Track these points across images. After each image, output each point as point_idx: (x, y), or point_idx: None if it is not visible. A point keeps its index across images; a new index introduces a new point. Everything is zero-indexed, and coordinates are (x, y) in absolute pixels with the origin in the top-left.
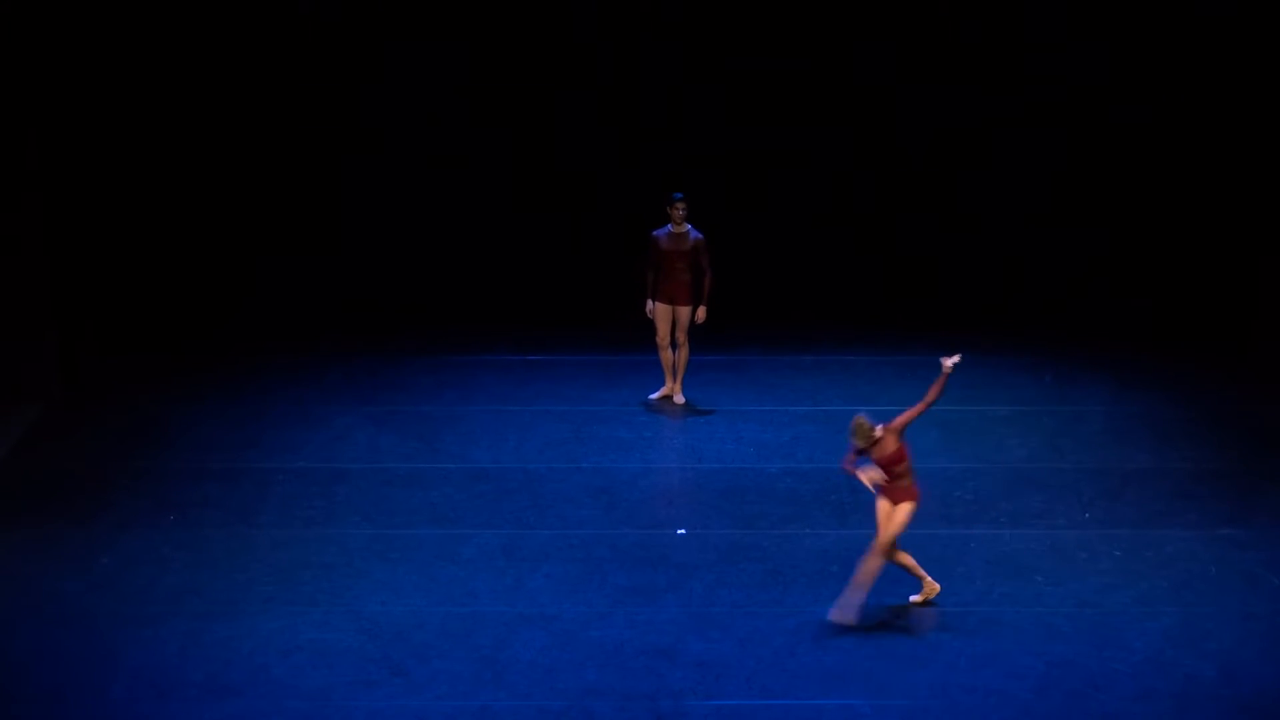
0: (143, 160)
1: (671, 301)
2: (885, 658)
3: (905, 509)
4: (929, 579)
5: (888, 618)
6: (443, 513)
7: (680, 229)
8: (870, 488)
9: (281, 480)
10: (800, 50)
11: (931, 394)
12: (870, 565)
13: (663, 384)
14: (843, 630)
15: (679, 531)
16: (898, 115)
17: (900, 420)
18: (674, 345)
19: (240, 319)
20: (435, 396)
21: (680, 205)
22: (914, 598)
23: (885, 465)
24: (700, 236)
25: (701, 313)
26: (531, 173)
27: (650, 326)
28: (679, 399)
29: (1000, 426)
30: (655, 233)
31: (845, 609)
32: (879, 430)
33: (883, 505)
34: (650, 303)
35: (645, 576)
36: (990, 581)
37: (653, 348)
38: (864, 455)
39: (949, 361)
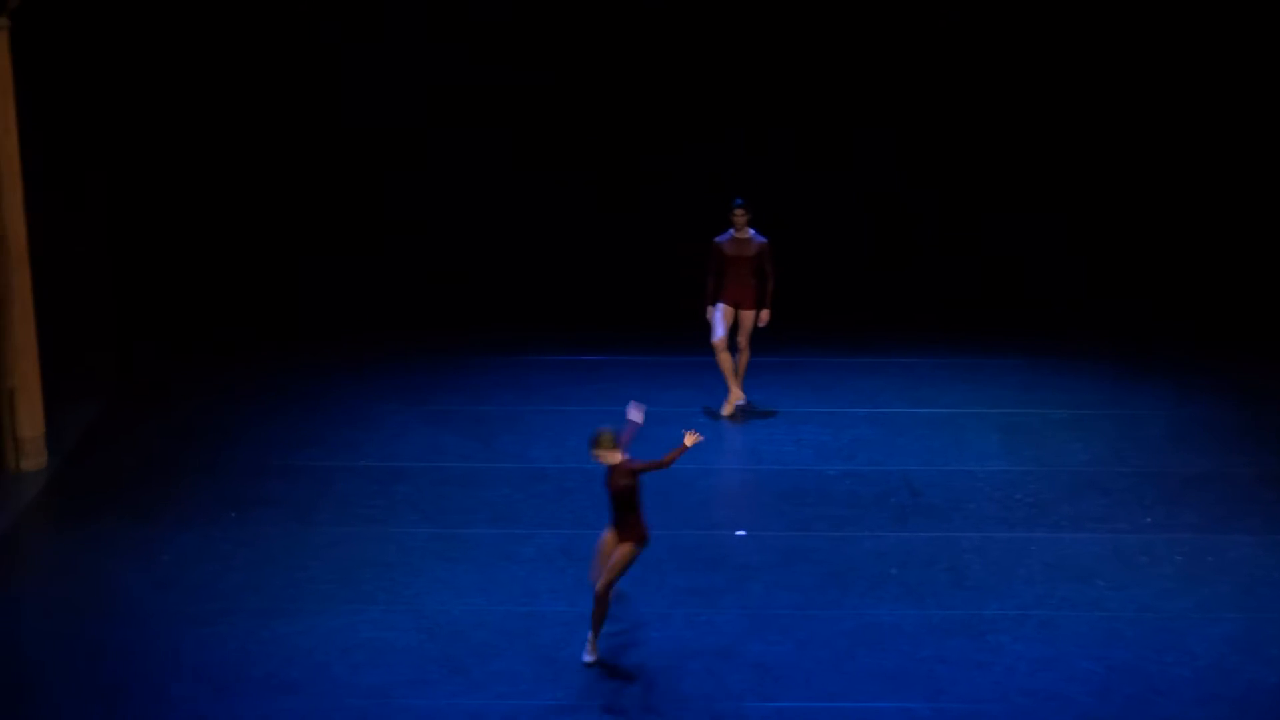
0: (203, 159)
1: (736, 305)
2: (944, 661)
3: (627, 549)
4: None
5: (948, 623)
6: (502, 512)
7: (743, 234)
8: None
9: (341, 479)
10: (855, 45)
11: (668, 459)
12: (596, 609)
13: (726, 395)
14: (901, 634)
15: (738, 533)
16: (959, 113)
17: (641, 464)
18: (734, 349)
19: (301, 317)
20: (493, 396)
21: (741, 211)
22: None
23: (615, 494)
24: (764, 241)
25: (765, 316)
26: (590, 173)
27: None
28: (742, 400)
29: (1061, 430)
30: (717, 239)
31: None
32: (618, 455)
33: (608, 537)
34: (710, 308)
35: (704, 578)
36: (1050, 585)
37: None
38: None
39: (689, 439)
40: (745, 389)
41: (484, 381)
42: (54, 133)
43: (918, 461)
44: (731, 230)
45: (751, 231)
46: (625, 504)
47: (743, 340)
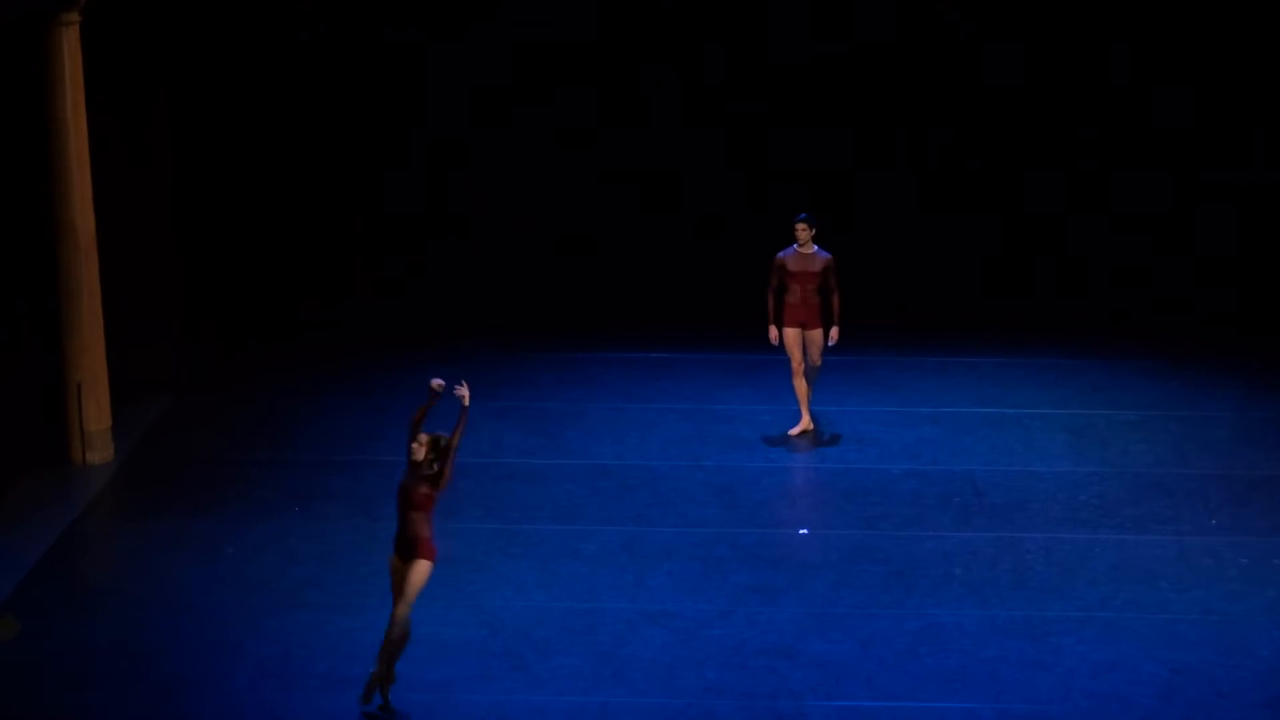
0: (270, 152)
1: (803, 326)
2: (1007, 661)
3: (422, 569)
4: None
5: (1011, 623)
6: (564, 509)
7: (807, 249)
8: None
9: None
10: (924, 42)
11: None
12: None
13: (797, 416)
14: (964, 634)
15: (801, 531)
16: (1023, 113)
17: (440, 480)
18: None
19: (365, 312)
20: (557, 393)
21: (804, 226)
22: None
23: (414, 504)
24: (829, 256)
25: (835, 334)
26: (657, 169)
27: (770, 346)
28: (810, 428)
29: (1127, 431)
30: (780, 254)
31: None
32: (422, 453)
33: (395, 563)
34: (774, 329)
35: (766, 576)
36: (1114, 587)
37: (778, 348)
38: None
39: (459, 391)
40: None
41: (547, 377)
42: (123, 126)
43: (982, 462)
44: (795, 245)
45: (815, 247)
46: (420, 515)
47: (815, 359)
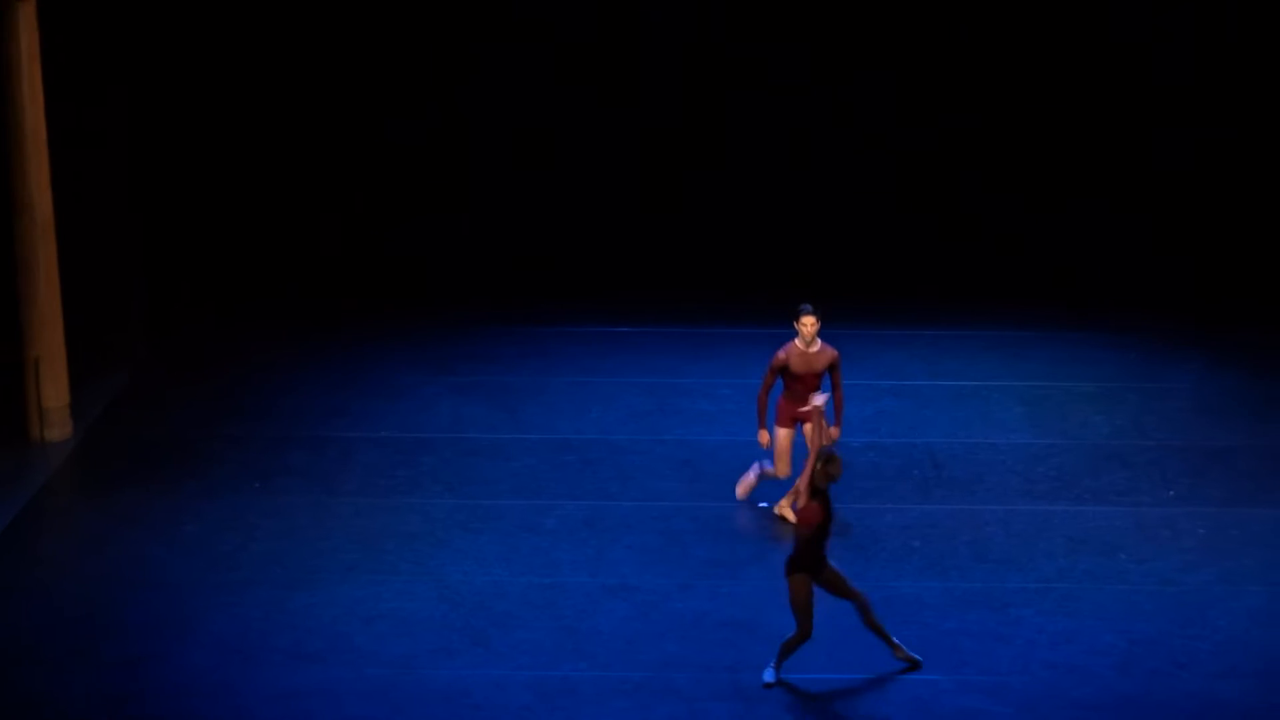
0: (232, 130)
1: (802, 421)
2: (967, 633)
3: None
4: None
5: (970, 595)
6: (525, 483)
7: (813, 346)
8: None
9: (365, 449)
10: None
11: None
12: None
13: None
14: (924, 606)
15: (761, 504)
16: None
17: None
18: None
19: (326, 288)
20: (519, 367)
21: (812, 319)
22: None
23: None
24: (835, 352)
25: (835, 433)
26: (612, 143)
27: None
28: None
29: (1085, 403)
30: (780, 352)
31: None
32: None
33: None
34: (765, 433)
35: (727, 549)
36: (1073, 558)
37: (737, 321)
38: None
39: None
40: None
41: (510, 352)
42: (82, 102)
43: (941, 434)
44: (796, 341)
45: (820, 341)
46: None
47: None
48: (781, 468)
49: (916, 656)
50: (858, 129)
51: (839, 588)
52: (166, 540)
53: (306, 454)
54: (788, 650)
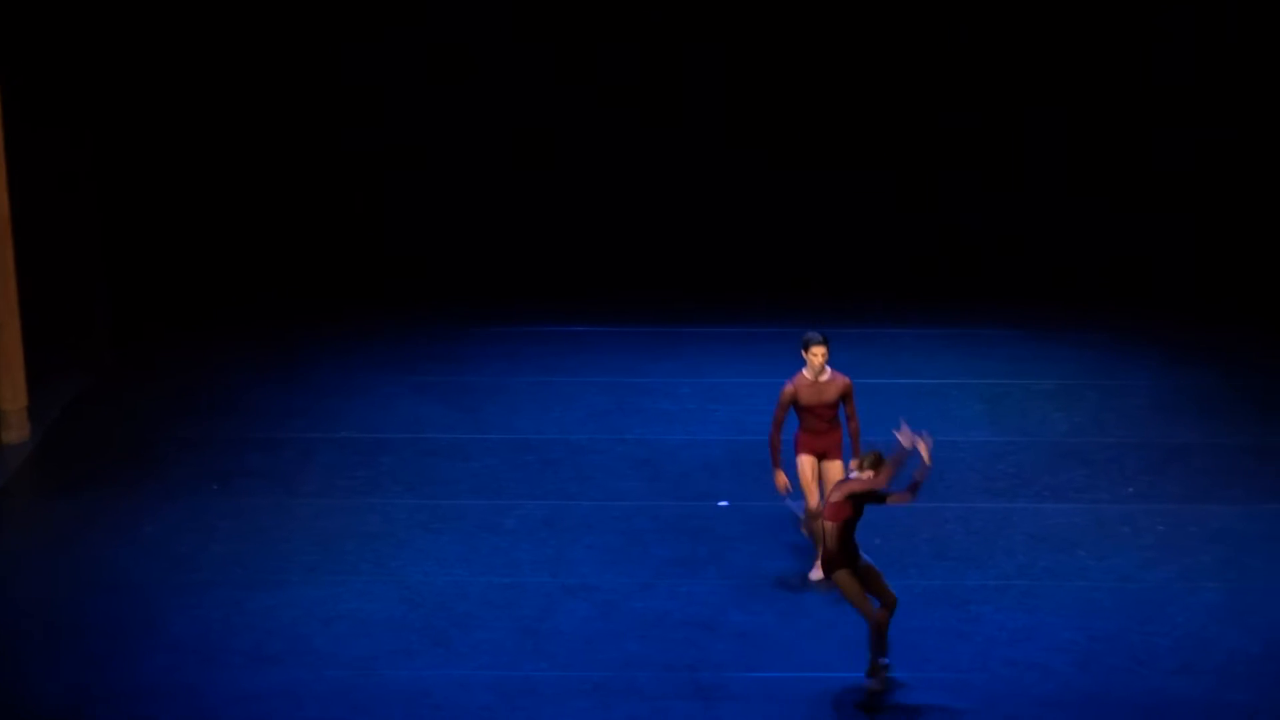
0: (191, 129)
1: (822, 456)
2: (926, 630)
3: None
4: None
5: (930, 593)
6: (486, 483)
7: (822, 375)
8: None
9: (325, 450)
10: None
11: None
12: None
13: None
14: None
15: (721, 503)
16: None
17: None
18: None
19: (285, 288)
20: (479, 367)
21: (822, 349)
22: None
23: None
24: (847, 379)
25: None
26: (576, 140)
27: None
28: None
29: (1044, 400)
30: (788, 384)
31: None
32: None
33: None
34: (782, 475)
35: (687, 548)
36: (1032, 555)
37: (697, 321)
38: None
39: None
40: (736, 359)
41: (470, 352)
42: (41, 104)
43: None
44: (803, 371)
45: (830, 370)
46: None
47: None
48: (812, 499)
49: (889, 683)
50: (813, 129)
51: (873, 582)
52: (126, 542)
53: (266, 455)
54: (878, 642)
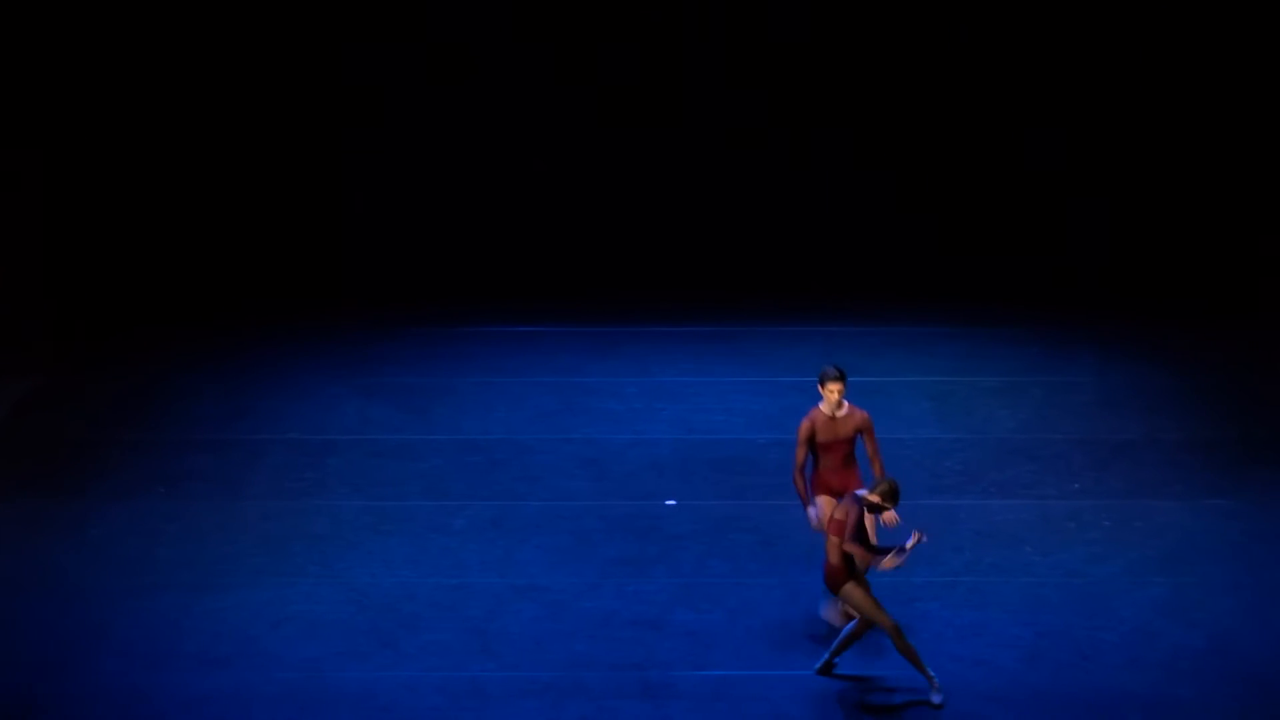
0: (138, 133)
1: (840, 495)
2: (874, 628)
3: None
4: None
5: (878, 590)
6: (433, 484)
7: (840, 410)
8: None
9: (272, 452)
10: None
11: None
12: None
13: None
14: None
15: (669, 503)
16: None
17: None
18: None
19: (232, 290)
20: (425, 368)
21: (840, 384)
22: None
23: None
24: (865, 414)
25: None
26: (514, 140)
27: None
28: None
29: (990, 397)
30: (805, 422)
31: None
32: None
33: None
34: (813, 510)
35: (635, 548)
36: (979, 552)
37: (643, 320)
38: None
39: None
40: (680, 359)
41: (417, 353)
42: None
43: None
44: (820, 406)
45: (847, 405)
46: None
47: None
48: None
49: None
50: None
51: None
52: (71, 545)
53: (212, 457)
54: (907, 651)
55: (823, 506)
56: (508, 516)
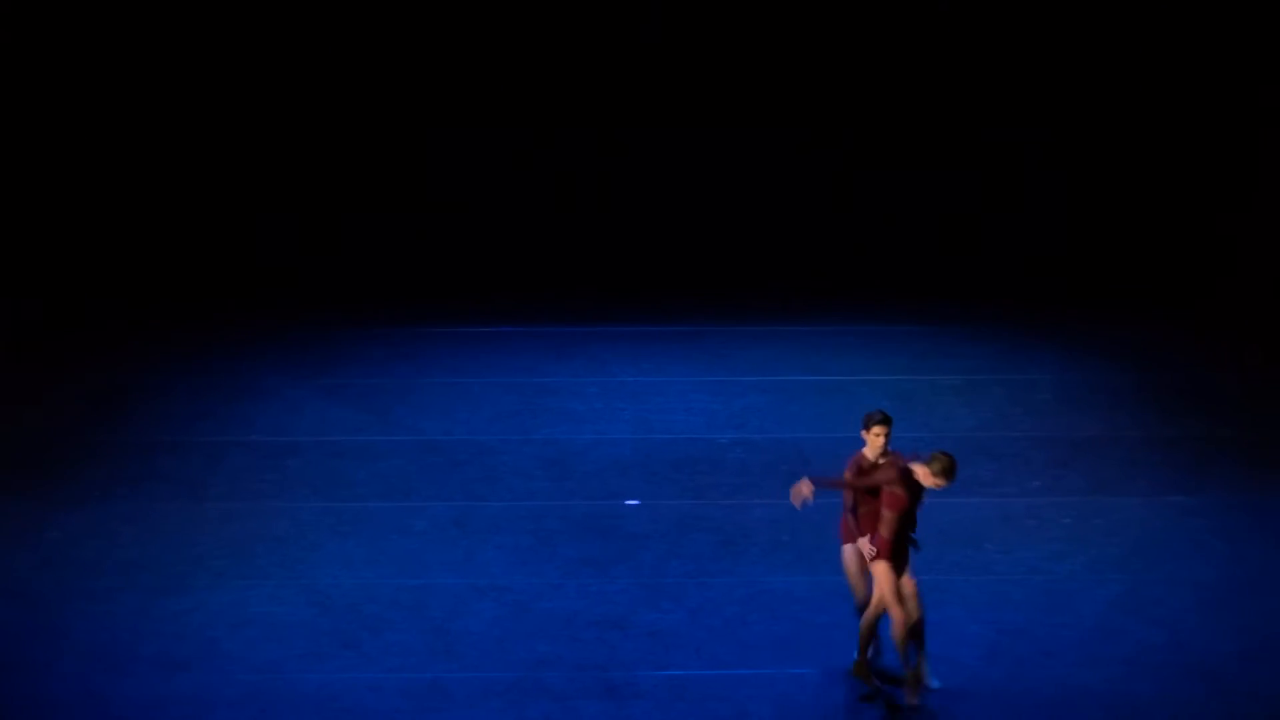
0: (100, 127)
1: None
2: (836, 627)
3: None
4: None
5: (840, 587)
6: (394, 485)
7: (884, 457)
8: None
9: (233, 454)
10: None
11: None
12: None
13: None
14: (794, 600)
15: (630, 502)
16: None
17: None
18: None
19: (192, 292)
20: (386, 369)
21: (881, 429)
22: None
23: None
24: (906, 464)
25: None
26: (480, 141)
27: None
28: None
29: (951, 395)
30: (850, 462)
31: None
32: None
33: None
34: (867, 544)
35: (597, 548)
36: (940, 550)
37: (602, 320)
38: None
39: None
40: (640, 358)
41: (376, 354)
42: None
43: (809, 429)
44: (864, 451)
45: (890, 450)
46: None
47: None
48: (859, 590)
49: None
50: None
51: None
52: (29, 547)
53: (173, 459)
54: (904, 648)
55: (848, 558)
56: (469, 517)
